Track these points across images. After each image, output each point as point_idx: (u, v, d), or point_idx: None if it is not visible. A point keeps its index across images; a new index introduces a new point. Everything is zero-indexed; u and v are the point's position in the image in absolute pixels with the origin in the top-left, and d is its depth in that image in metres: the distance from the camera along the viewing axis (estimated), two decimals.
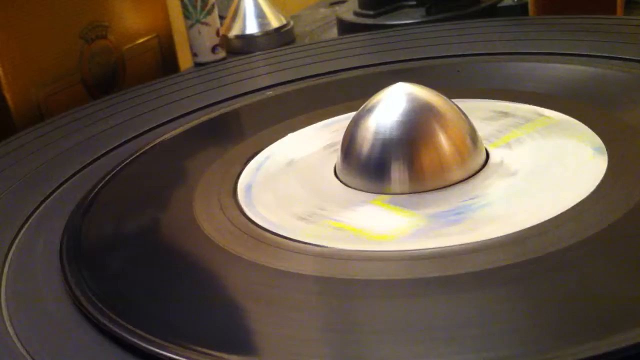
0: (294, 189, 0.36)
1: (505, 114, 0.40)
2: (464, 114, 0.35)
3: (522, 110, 0.40)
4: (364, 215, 0.33)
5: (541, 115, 0.39)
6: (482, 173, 0.34)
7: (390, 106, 0.34)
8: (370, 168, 0.34)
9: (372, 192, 0.34)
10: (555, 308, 0.25)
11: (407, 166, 0.33)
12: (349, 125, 0.36)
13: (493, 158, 0.35)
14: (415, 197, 0.33)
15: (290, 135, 0.42)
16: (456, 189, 0.33)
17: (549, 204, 0.31)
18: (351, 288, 0.28)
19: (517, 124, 0.39)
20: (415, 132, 0.34)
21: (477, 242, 0.29)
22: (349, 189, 0.35)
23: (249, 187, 0.37)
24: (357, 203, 0.34)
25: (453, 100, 0.36)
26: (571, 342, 0.23)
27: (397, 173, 0.34)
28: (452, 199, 0.33)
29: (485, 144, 0.36)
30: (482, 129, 0.37)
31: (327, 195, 0.35)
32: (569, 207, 0.30)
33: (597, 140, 0.35)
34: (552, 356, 0.22)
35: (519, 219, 0.30)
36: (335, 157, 0.37)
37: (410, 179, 0.33)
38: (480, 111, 0.40)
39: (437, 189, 0.33)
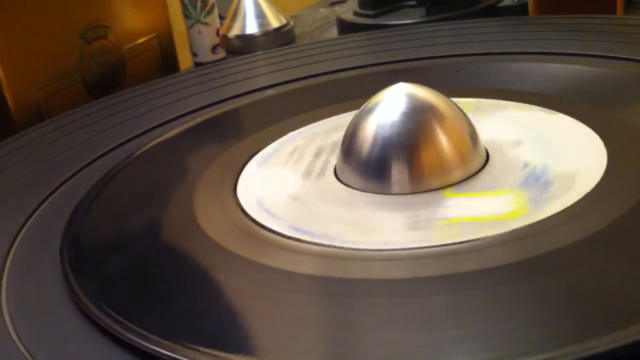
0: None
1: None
2: (464, 114, 0.35)
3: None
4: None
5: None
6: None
7: (391, 106, 0.34)
8: (370, 168, 0.34)
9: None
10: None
11: (407, 166, 0.33)
12: (349, 125, 0.36)
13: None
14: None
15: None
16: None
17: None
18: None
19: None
20: (415, 132, 0.34)
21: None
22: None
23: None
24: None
25: (453, 100, 0.36)
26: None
27: (397, 173, 0.34)
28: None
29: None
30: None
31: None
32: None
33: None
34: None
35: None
36: (335, 157, 0.37)
37: (410, 179, 0.33)
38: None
39: (437, 189, 0.33)
